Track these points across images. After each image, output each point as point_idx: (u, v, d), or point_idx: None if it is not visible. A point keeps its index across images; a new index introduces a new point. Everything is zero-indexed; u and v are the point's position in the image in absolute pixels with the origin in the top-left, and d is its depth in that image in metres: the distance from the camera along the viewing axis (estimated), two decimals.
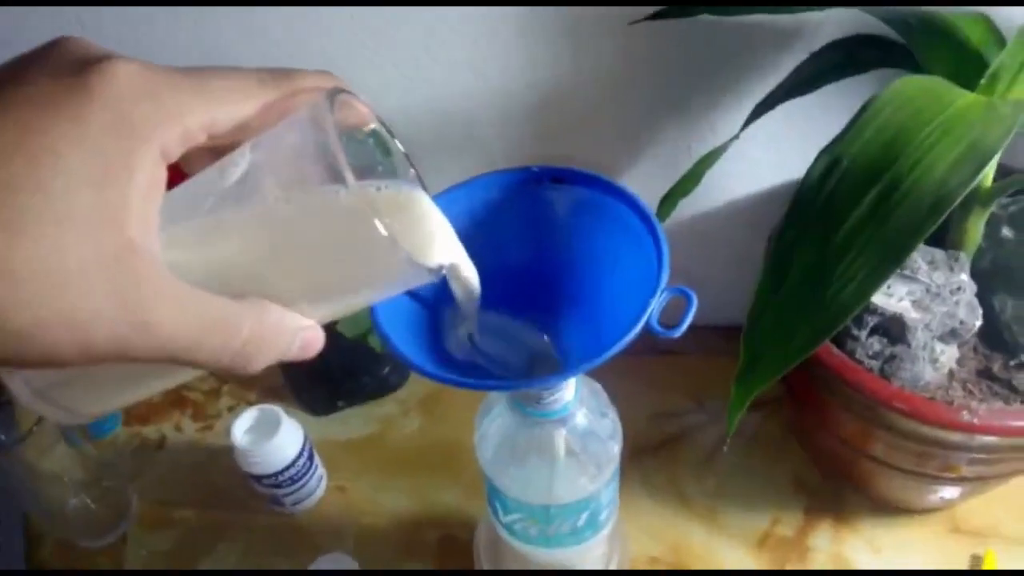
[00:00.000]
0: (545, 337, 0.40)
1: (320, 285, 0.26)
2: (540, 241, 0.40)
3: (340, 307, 0.27)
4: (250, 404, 0.75)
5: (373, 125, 0.28)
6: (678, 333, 0.32)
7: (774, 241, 0.42)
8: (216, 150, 0.25)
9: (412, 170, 0.29)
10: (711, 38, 0.57)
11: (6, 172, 0.19)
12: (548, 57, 0.60)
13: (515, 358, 0.39)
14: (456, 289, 0.33)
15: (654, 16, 0.55)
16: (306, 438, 0.66)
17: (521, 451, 0.44)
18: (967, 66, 0.45)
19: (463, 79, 0.61)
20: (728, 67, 0.59)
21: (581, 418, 0.43)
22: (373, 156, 0.29)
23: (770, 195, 0.67)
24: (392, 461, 0.71)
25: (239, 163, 0.24)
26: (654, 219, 0.36)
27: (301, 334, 0.25)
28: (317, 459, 0.68)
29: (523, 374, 0.39)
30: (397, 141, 0.28)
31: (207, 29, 0.59)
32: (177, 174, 0.24)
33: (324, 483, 0.69)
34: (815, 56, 0.52)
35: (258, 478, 0.64)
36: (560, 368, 0.38)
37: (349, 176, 0.22)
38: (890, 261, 0.39)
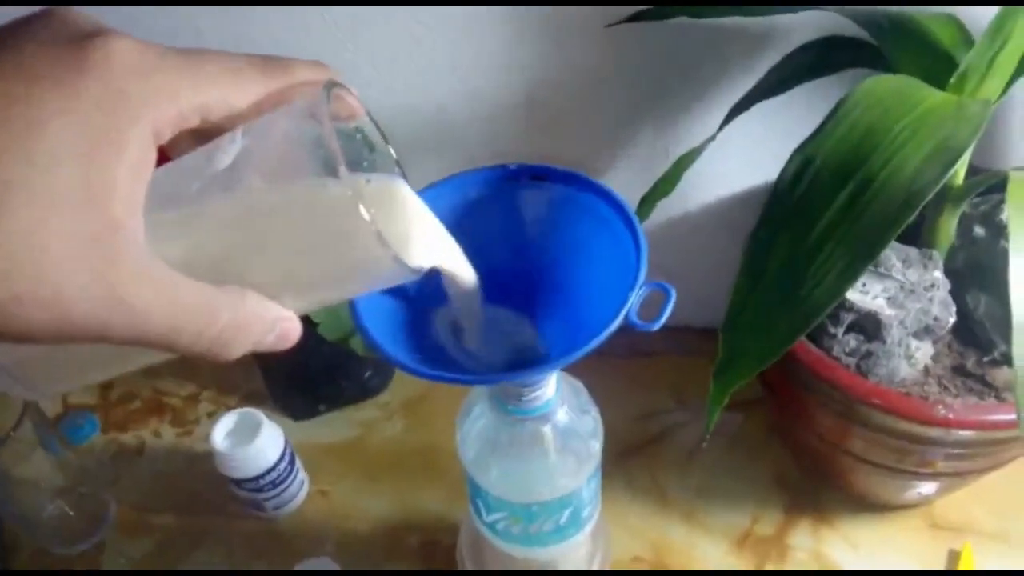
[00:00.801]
0: (528, 322, 0.40)
1: (302, 277, 0.26)
2: (519, 239, 0.40)
3: (320, 299, 0.27)
4: (230, 409, 0.75)
5: (362, 119, 0.27)
6: (657, 326, 0.33)
7: (750, 239, 0.42)
8: (202, 133, 0.24)
9: (397, 167, 0.29)
10: (687, 40, 0.58)
11: None
12: (526, 58, 0.60)
13: (497, 353, 0.40)
14: (452, 287, 0.33)
15: (631, 19, 0.55)
16: (287, 442, 0.66)
17: (503, 449, 0.44)
18: (937, 66, 0.46)
19: (443, 79, 0.62)
20: (703, 69, 0.60)
21: (562, 415, 0.43)
22: (360, 151, 0.29)
23: (747, 197, 0.68)
24: (374, 465, 0.71)
25: (228, 149, 0.24)
26: (632, 215, 0.36)
27: (279, 324, 0.25)
28: (298, 463, 0.68)
29: (504, 369, 0.40)
30: (385, 137, 0.29)
31: (183, 28, 0.59)
32: (160, 156, 0.24)
33: (306, 487, 0.69)
34: (788, 57, 0.53)
35: (239, 482, 0.64)
36: (542, 361, 0.38)
37: (343, 169, 0.22)
38: (863, 257, 0.39)
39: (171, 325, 0.22)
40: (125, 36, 0.21)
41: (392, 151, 0.29)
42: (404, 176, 0.30)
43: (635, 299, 0.33)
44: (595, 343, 0.32)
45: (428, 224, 0.30)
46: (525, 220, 0.40)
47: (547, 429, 0.43)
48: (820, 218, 0.41)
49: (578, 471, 0.44)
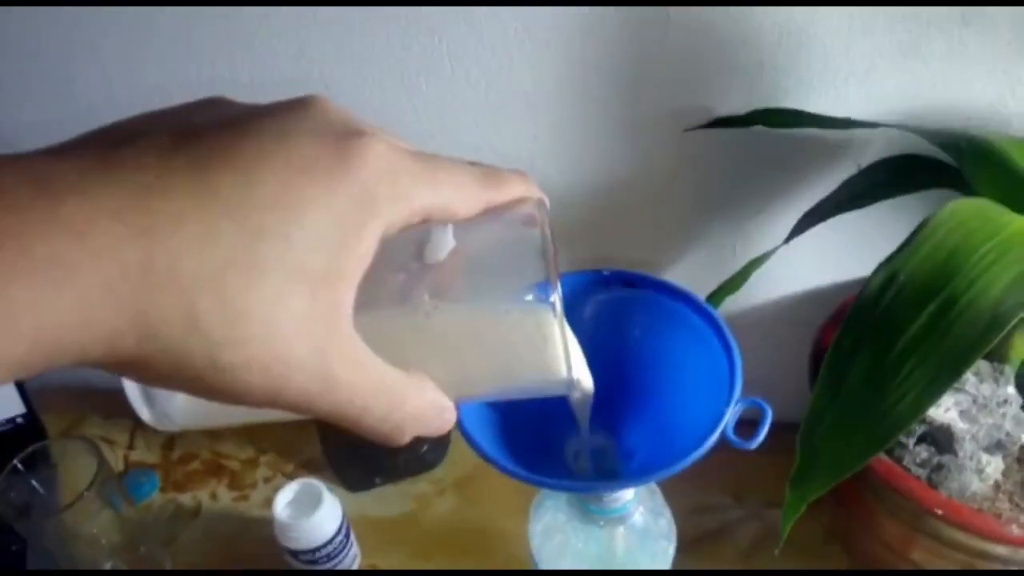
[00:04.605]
0: (607, 439, 0.41)
1: (476, 379, 0.27)
2: (606, 343, 0.41)
3: (476, 397, 0.28)
4: (286, 475, 0.76)
5: (544, 231, 0.28)
6: (754, 445, 0.33)
7: (831, 349, 0.43)
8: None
9: (558, 283, 0.30)
10: (762, 146, 0.60)
11: (259, 220, 0.20)
12: (603, 156, 0.62)
13: (581, 453, 0.40)
14: (575, 396, 0.34)
15: (710, 124, 0.57)
16: (344, 515, 0.66)
17: (577, 547, 0.44)
18: (1016, 189, 0.47)
19: None
20: (776, 174, 0.61)
21: (638, 517, 0.43)
22: None
23: (812, 296, 0.69)
24: (425, 542, 0.71)
25: (441, 245, 0.25)
26: (725, 329, 0.37)
27: (444, 414, 0.26)
28: (352, 536, 0.68)
29: (588, 470, 0.40)
30: (556, 251, 0.30)
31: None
32: None
33: (357, 561, 0.69)
34: (866, 173, 0.55)
35: (295, 553, 0.64)
36: (632, 471, 0.39)
37: (556, 295, 0.24)
38: (948, 375, 0.40)
39: (364, 405, 0.23)
40: (379, 138, 0.23)
41: (557, 268, 0.30)
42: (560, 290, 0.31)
43: (731, 416, 0.33)
44: (691, 459, 0.32)
45: (573, 339, 0.31)
46: (612, 324, 0.41)
47: (623, 530, 0.43)
48: (903, 333, 0.41)
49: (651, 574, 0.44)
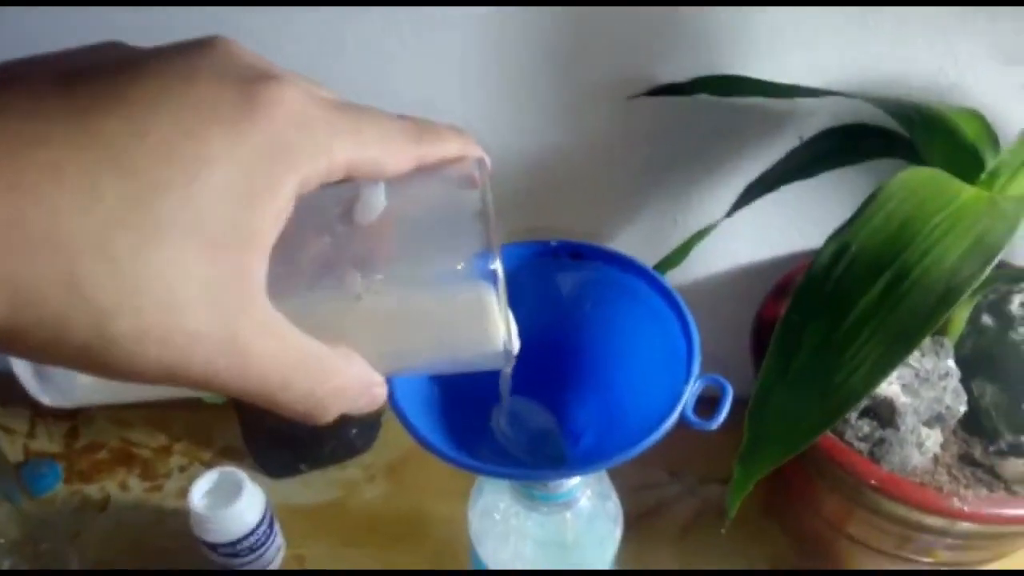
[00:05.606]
0: (552, 417, 0.39)
1: (407, 352, 0.25)
2: (553, 317, 0.39)
3: (407, 371, 0.26)
4: (204, 463, 0.72)
5: (483, 192, 0.26)
6: (715, 425, 0.31)
7: (781, 323, 0.42)
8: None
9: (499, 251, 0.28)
10: (705, 115, 0.58)
11: (153, 173, 0.18)
12: (541, 123, 0.60)
13: (522, 436, 0.38)
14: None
15: (652, 92, 0.55)
16: (267, 504, 0.62)
17: (520, 533, 0.42)
18: (964, 160, 0.47)
19: None
20: (720, 144, 0.60)
21: (585, 501, 0.41)
22: None
23: (754, 269, 0.68)
24: (354, 529, 0.68)
25: (372, 205, 0.23)
26: (680, 300, 0.35)
27: (373, 389, 0.24)
28: (276, 526, 0.64)
29: (530, 452, 0.38)
30: (493, 213, 0.27)
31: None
32: None
33: (282, 552, 0.65)
34: (811, 143, 0.54)
35: (214, 546, 0.60)
36: (587, 456, 0.36)
37: (498, 266, 0.22)
38: (900, 349, 0.39)
39: (282, 382, 0.21)
40: (294, 83, 0.20)
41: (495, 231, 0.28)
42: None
43: (689, 395, 0.31)
44: (650, 442, 0.30)
45: (509, 312, 0.29)
46: (561, 298, 0.39)
47: (570, 515, 0.41)
48: (855, 306, 0.40)
49: (599, 558, 0.42)
